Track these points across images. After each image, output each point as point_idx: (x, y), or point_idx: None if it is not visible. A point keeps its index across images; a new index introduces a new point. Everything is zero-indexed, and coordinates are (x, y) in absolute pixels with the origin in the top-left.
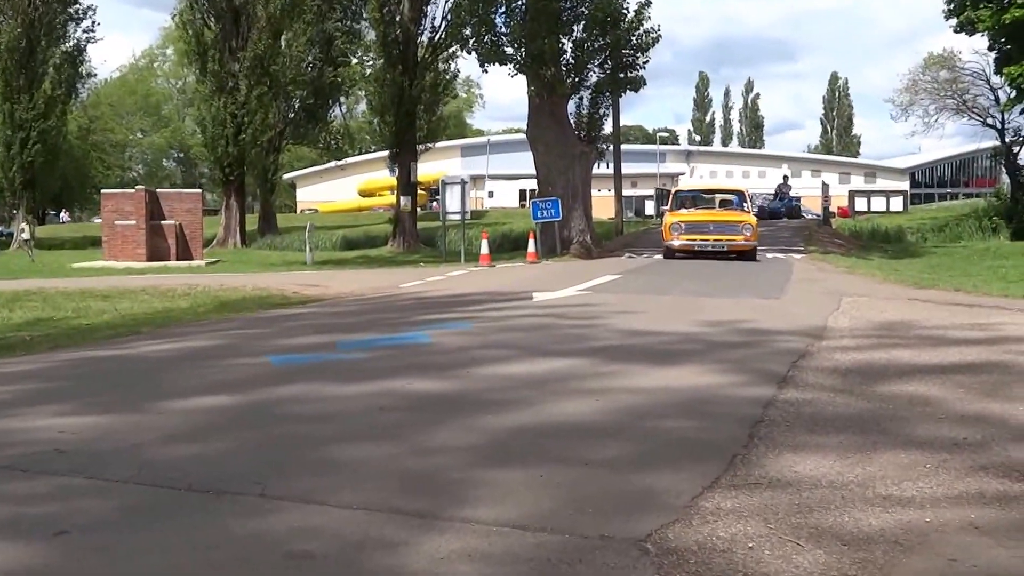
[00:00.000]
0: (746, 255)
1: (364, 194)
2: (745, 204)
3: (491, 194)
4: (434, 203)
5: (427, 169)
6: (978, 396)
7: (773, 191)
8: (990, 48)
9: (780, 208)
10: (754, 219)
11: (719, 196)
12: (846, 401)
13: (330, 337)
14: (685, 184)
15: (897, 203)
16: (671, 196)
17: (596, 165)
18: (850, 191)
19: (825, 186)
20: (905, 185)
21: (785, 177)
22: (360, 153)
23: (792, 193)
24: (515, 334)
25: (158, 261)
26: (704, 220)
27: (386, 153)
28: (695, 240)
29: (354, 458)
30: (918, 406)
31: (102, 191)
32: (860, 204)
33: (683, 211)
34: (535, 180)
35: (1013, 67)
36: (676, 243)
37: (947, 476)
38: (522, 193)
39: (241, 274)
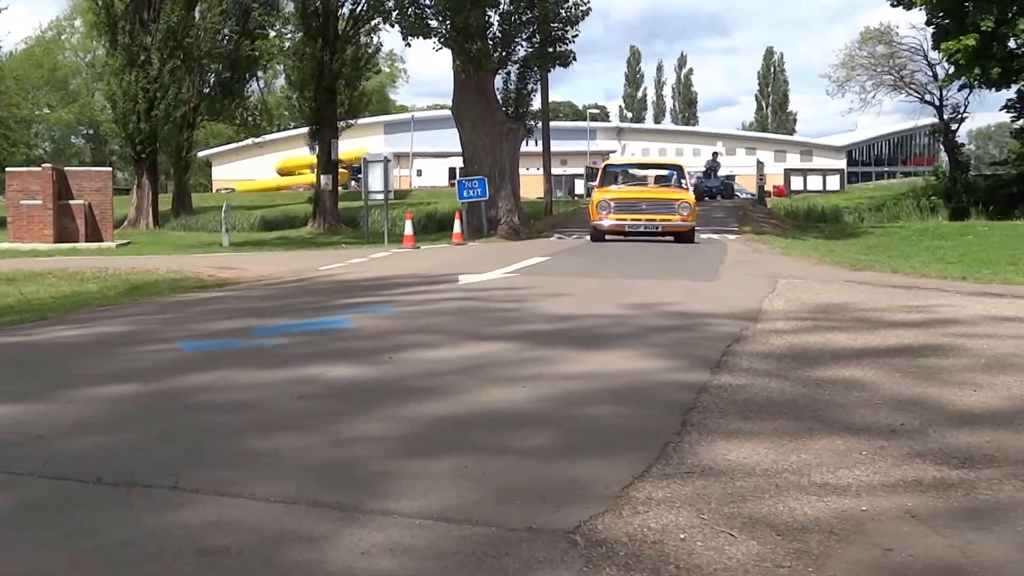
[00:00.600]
0: (683, 236)
1: (283, 173)
2: (683, 181)
3: (419, 172)
4: (353, 182)
5: (349, 147)
6: (916, 380)
7: (703, 167)
8: (928, 23)
9: (717, 186)
10: (692, 197)
11: (653, 172)
12: (781, 386)
13: (247, 322)
14: (616, 158)
15: (834, 182)
16: (600, 171)
17: (524, 143)
18: (786, 169)
19: (760, 164)
20: (842, 163)
21: (715, 154)
22: (279, 130)
23: (722, 170)
24: (440, 318)
25: (66, 243)
26: (636, 198)
27: (306, 130)
28: (626, 220)
29: (271, 449)
30: (854, 391)
31: (6, 169)
32: (796, 183)
33: (614, 188)
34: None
35: (951, 42)
36: (605, 223)
37: (884, 463)
38: (451, 171)
39: (154, 256)
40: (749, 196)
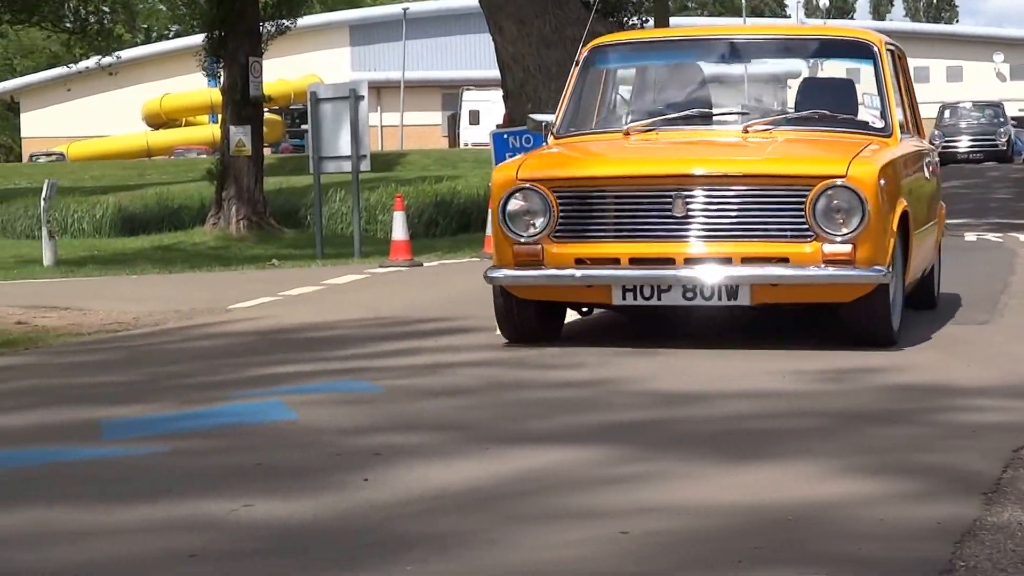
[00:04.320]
0: (855, 314)
1: (157, 122)
2: (881, 103)
3: (474, 118)
4: (286, 142)
5: (283, 71)
6: None
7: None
8: None
9: None
10: (873, 168)
11: (748, 71)
12: None
13: (90, 412)
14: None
15: None
16: (574, 72)
17: None
18: None
19: None
20: None
21: None
22: (148, 41)
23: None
24: (458, 401)
25: None
26: (665, 174)
27: (199, 40)
28: (598, 267)
29: None
30: None
31: None
32: None
33: (593, 138)
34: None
35: None
36: (517, 277)
37: None
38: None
39: None
40: None
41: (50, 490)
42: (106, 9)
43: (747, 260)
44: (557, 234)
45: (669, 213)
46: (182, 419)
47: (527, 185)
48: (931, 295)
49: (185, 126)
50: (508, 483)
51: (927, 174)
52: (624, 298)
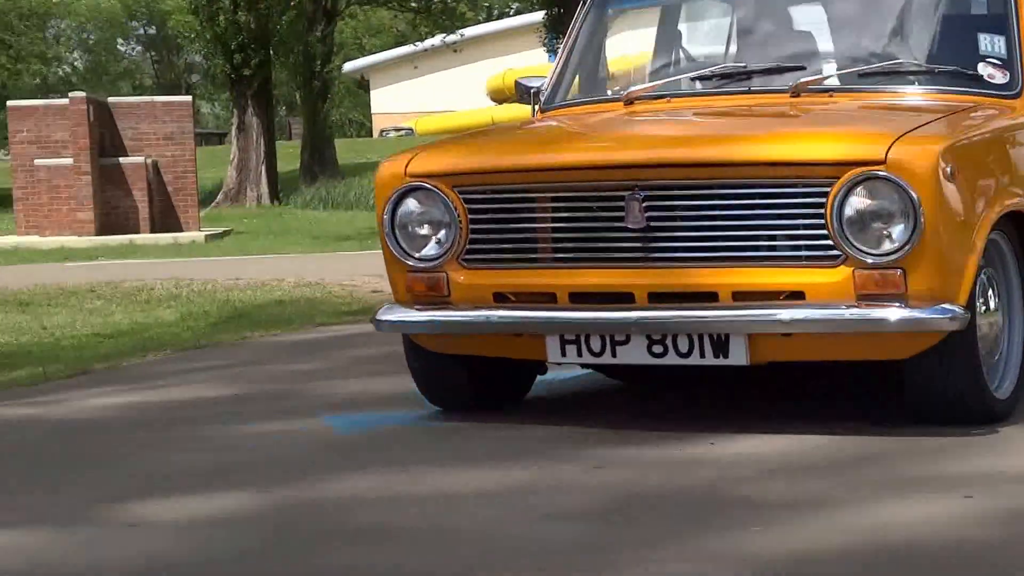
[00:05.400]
0: (931, 395)
1: (500, 97)
2: (1004, 45)
3: None
4: None
5: (627, 46)
6: None
7: None
8: None
9: None
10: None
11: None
12: None
13: None
14: None
15: None
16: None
17: None
18: None
19: None
20: None
21: None
22: (490, 18)
23: None
24: (801, 371)
25: (117, 234)
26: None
27: (539, 17)
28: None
29: None
30: None
31: (8, 103)
32: None
33: (590, 111)
34: None
35: None
36: (405, 319)
37: None
38: None
39: (273, 256)
40: None
41: (420, 451)
42: None
43: (741, 295)
44: (468, 256)
45: (622, 224)
46: (557, 377)
47: (422, 183)
48: None
49: None
50: (848, 451)
51: None
52: (564, 353)
